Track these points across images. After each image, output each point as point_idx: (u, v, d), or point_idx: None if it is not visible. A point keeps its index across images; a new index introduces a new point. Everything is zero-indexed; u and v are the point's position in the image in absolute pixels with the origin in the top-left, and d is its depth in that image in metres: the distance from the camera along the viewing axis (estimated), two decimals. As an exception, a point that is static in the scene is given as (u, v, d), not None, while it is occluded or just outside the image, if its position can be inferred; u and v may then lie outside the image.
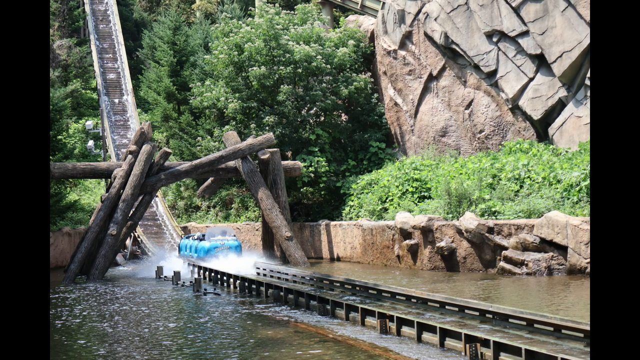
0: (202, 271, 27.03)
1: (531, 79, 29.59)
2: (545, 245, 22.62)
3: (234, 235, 30.62)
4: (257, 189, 30.97)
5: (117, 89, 48.89)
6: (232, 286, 24.05)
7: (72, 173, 30.64)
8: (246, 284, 22.68)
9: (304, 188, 35.12)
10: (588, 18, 27.73)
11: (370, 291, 18.60)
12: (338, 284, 20.23)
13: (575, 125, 28.27)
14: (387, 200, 30.42)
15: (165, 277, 27.71)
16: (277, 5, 38.33)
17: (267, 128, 34.20)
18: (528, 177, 26.30)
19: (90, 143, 43.52)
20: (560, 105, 29.04)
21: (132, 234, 33.85)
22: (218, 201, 38.93)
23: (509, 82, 30.05)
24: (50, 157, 31.49)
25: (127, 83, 48.63)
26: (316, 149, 34.48)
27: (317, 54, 34.88)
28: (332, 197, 34.82)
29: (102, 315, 18.76)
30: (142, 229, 35.95)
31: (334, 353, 12.87)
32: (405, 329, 14.10)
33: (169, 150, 31.51)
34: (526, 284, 21.11)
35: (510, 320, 13.94)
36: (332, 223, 32.21)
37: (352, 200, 32.60)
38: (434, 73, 32.71)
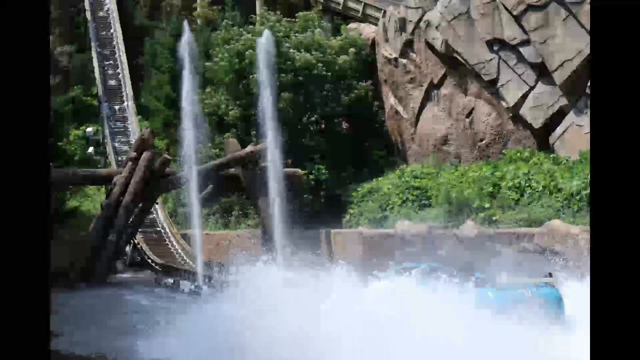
0: None
1: (532, 88, 29.60)
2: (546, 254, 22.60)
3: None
4: (258, 197, 30.96)
5: (117, 96, 48.81)
6: None
7: (72, 179, 30.63)
8: None
9: (304, 196, 35.07)
10: (589, 27, 27.75)
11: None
12: None
13: (576, 134, 28.26)
14: (388, 208, 30.39)
15: None
16: (278, 12, 38.35)
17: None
18: (528, 185, 26.29)
19: (91, 150, 43.50)
20: (561, 114, 29.03)
21: (131, 241, 33.78)
22: (218, 208, 38.84)
23: (509, 91, 30.05)
24: (51, 164, 31.47)
25: (128, 90, 48.55)
26: (317, 157, 34.44)
27: (318, 61, 34.88)
28: (332, 204, 34.75)
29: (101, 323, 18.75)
30: (142, 236, 35.86)
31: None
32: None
33: (170, 157, 31.49)
34: (526, 292, 21.06)
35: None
36: (332, 231, 32.15)
37: (352, 208, 32.54)
38: (435, 81, 32.70)
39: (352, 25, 39.53)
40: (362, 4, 39.49)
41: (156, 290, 26.33)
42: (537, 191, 25.84)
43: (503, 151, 30.43)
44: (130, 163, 30.18)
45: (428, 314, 12.88)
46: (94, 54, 51.33)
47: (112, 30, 53.00)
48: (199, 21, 54.67)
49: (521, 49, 29.59)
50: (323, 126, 35.76)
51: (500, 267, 15.08)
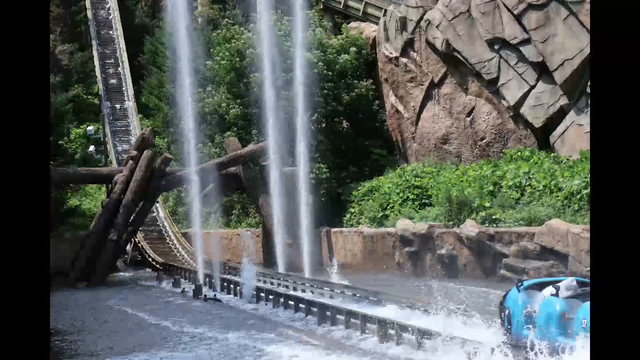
0: None
1: (533, 87, 29.57)
2: (546, 253, 22.59)
3: None
4: (258, 195, 30.97)
5: (118, 95, 48.90)
6: None
7: (72, 178, 30.65)
8: None
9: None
10: (589, 26, 27.73)
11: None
12: None
13: (576, 134, 28.24)
14: (388, 208, 30.38)
15: None
16: (278, 11, 38.33)
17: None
18: (529, 185, 26.27)
19: (92, 148, 43.54)
20: (561, 113, 29.01)
21: (132, 239, 33.83)
22: (219, 207, 38.91)
23: (510, 90, 30.03)
24: (51, 162, 31.50)
25: (129, 88, 48.64)
26: (317, 156, 34.45)
27: (318, 60, 34.88)
28: (333, 203, 34.77)
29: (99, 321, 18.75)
30: (142, 234, 35.93)
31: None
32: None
33: (170, 156, 31.52)
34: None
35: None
36: (333, 230, 32.15)
37: (353, 207, 32.55)
38: (436, 80, 32.67)
39: (353, 24, 39.49)
40: (363, 3, 39.47)
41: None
42: (538, 190, 25.81)
43: (503, 150, 30.40)
44: (131, 162, 30.20)
45: None
46: (94, 53, 51.42)
47: (113, 29, 53.03)
48: (199, 20, 54.68)
49: (522, 48, 29.57)
50: (324, 125, 35.77)
51: None
